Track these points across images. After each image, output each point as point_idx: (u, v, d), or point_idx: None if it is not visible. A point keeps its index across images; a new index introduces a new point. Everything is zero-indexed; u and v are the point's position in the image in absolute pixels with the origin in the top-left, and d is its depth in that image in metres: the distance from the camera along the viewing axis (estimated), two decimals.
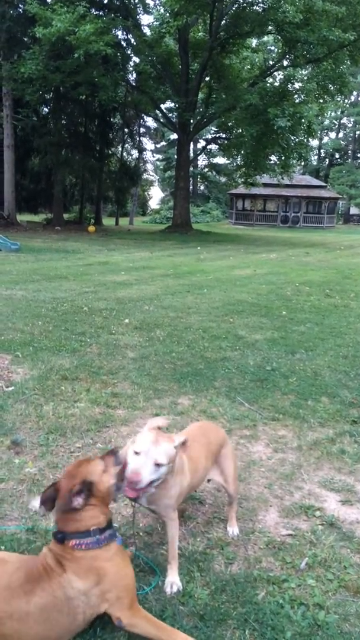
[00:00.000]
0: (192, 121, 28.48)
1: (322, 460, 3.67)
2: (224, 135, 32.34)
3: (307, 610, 2.24)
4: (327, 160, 62.89)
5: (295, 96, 26.01)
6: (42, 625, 1.89)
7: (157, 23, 24.28)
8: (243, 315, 8.31)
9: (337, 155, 62.26)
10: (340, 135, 61.78)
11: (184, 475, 2.41)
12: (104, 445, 3.76)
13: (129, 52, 28.61)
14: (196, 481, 2.58)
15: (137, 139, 41.81)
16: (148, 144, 54.63)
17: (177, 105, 28.10)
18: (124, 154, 41.07)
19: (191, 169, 38.12)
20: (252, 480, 3.39)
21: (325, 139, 61.59)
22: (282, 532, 2.85)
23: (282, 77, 27.22)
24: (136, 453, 2.14)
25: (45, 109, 33.22)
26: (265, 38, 29.34)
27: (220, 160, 42.96)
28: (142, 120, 40.65)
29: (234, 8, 25.42)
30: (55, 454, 3.61)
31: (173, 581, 2.34)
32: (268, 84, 26.84)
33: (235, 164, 33.44)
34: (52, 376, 5.11)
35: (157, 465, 2.13)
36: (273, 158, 29.64)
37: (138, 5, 28.19)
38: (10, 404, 4.39)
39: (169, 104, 31.80)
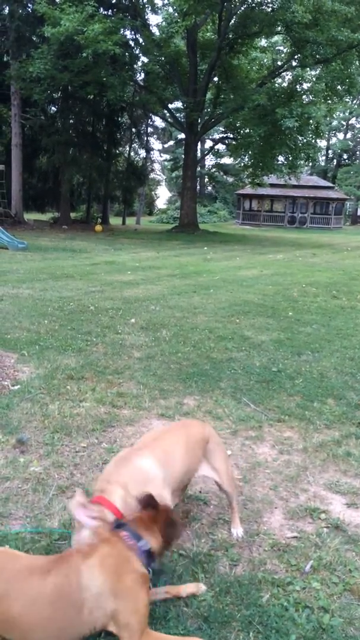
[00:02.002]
0: (199, 121, 28.46)
1: (328, 463, 3.65)
2: (231, 136, 32.27)
3: (312, 614, 2.23)
4: (334, 161, 62.67)
5: (304, 96, 25.97)
6: (49, 610, 1.86)
7: (166, 23, 24.26)
8: (249, 316, 8.29)
9: (345, 156, 62.02)
10: (349, 135, 61.54)
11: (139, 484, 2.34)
12: (109, 445, 3.76)
13: (137, 51, 28.61)
14: (177, 473, 2.50)
15: (145, 138, 41.86)
16: (155, 143, 54.72)
17: (185, 105, 28.07)
18: (132, 153, 41.13)
19: (198, 169, 38.12)
20: (257, 481, 3.38)
21: (333, 140, 61.37)
22: (287, 534, 2.83)
23: (290, 77, 27.20)
24: None
25: (53, 108, 33.31)
26: (274, 38, 29.20)
27: (228, 160, 42.85)
28: (149, 120, 40.68)
29: (242, 8, 25.38)
30: (60, 453, 3.61)
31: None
32: (276, 85, 26.82)
33: (242, 164, 33.33)
34: (58, 375, 5.12)
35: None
36: (281, 158, 29.57)
37: (146, 5, 28.17)
38: (15, 403, 4.40)
39: (176, 103, 31.80)
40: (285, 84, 27.37)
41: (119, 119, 36.04)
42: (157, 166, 60.25)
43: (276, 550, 2.69)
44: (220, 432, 4.04)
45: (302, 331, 7.42)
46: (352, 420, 4.36)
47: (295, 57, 26.44)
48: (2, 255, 15.41)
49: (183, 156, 32.51)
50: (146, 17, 28.12)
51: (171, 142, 54.38)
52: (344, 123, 59.49)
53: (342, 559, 2.61)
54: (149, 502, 2.10)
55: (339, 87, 26.12)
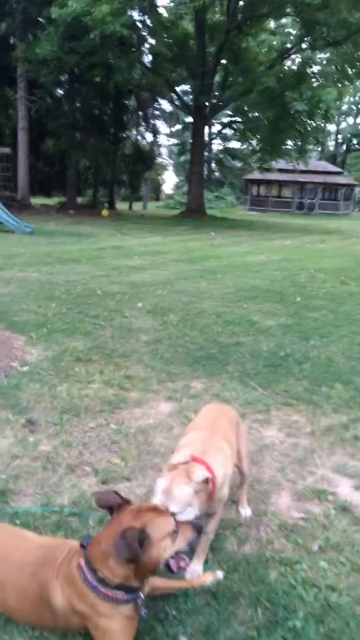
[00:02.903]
0: (207, 104, 28.18)
1: (336, 446, 3.66)
2: (239, 119, 31.97)
3: (320, 592, 2.25)
4: (344, 145, 62.04)
5: (314, 80, 25.61)
6: (32, 606, 1.95)
7: (174, 4, 23.92)
8: (257, 301, 8.28)
9: (355, 141, 61.36)
10: (359, 120, 60.83)
11: (228, 462, 2.38)
12: (118, 426, 3.79)
13: (144, 33, 28.26)
14: (234, 463, 2.56)
15: (152, 122, 41.48)
16: (162, 127, 54.27)
17: (192, 88, 27.79)
18: (138, 137, 40.81)
19: (206, 153, 37.81)
20: (265, 463, 3.39)
21: (343, 124, 60.69)
22: (294, 515, 2.85)
23: (300, 60, 26.78)
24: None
25: (60, 91, 33.04)
26: (284, 20, 28.75)
27: (236, 145, 42.47)
28: (156, 103, 40.28)
29: None
30: (69, 433, 3.64)
31: (195, 570, 2.30)
32: (286, 67, 26.45)
33: (250, 149, 33.04)
34: (66, 357, 5.14)
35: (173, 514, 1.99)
36: (289, 143, 29.28)
37: None
38: (25, 384, 4.42)
39: (184, 86, 31.44)
40: (294, 67, 26.97)
41: (126, 102, 35.76)
42: (164, 150, 59.77)
43: (284, 530, 2.71)
44: None
45: (310, 316, 7.40)
46: None
47: (305, 39, 26.05)
48: (9, 239, 15.42)
49: (190, 140, 32.25)
50: None
51: (178, 126, 53.82)
52: (354, 107, 58.79)
53: (350, 539, 2.63)
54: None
55: (349, 70, 25.73)
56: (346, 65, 25.12)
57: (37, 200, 32.81)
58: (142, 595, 1.90)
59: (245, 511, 2.82)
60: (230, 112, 34.54)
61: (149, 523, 1.81)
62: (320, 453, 3.55)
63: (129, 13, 23.83)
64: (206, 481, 2.08)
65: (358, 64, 24.87)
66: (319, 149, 39.47)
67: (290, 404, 4.33)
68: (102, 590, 1.82)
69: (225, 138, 40.63)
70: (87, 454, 3.39)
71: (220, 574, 2.28)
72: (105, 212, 29.74)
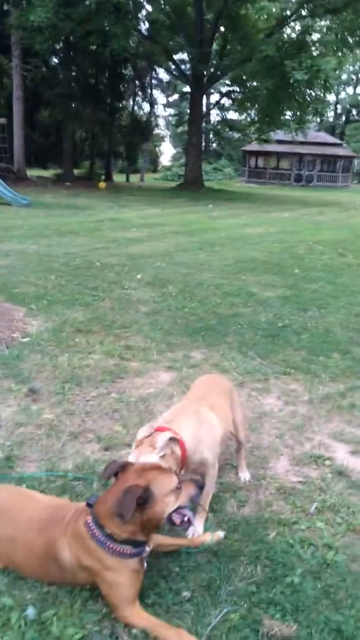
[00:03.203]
0: (205, 73, 27.67)
1: (333, 414, 3.73)
2: (238, 89, 31.45)
3: (317, 551, 2.34)
4: (343, 116, 61.18)
5: (313, 48, 25.10)
6: (40, 562, 2.04)
7: None
8: (255, 273, 8.30)
9: (354, 112, 60.50)
10: (359, 90, 59.86)
11: (213, 428, 2.45)
12: (119, 395, 3.85)
13: (141, 0, 27.60)
14: (226, 427, 2.61)
15: (149, 91, 40.76)
16: (160, 97, 53.36)
17: (190, 57, 27.24)
18: (135, 107, 40.17)
19: (204, 124, 37.24)
20: (264, 430, 3.47)
21: (343, 94, 59.75)
22: (292, 479, 2.93)
23: (299, 27, 26.21)
24: None
25: (55, 60, 32.38)
26: None
27: (234, 115, 41.85)
28: (154, 72, 39.53)
29: None
30: (71, 402, 3.70)
31: (196, 530, 2.39)
32: (285, 35, 25.90)
33: (249, 120, 32.54)
34: (66, 328, 5.18)
35: None
36: (288, 113, 28.84)
37: None
38: (26, 354, 4.47)
39: (182, 55, 30.83)
40: (294, 35, 26.40)
41: (123, 71, 35.08)
42: (161, 121, 58.90)
43: (282, 493, 2.79)
44: None
45: (308, 288, 7.43)
46: (357, 374, 4.43)
47: (305, 6, 25.46)
48: (6, 211, 15.30)
49: (188, 111, 31.76)
50: None
51: (176, 96, 52.93)
52: (354, 77, 57.79)
53: (346, 501, 2.71)
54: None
55: (349, 38, 25.24)
56: (346, 34, 24.65)
57: (32, 172, 32.40)
58: (147, 549, 1.97)
59: (244, 475, 2.90)
60: (228, 82, 33.99)
61: (152, 481, 1.90)
62: (317, 420, 3.62)
63: None
64: (171, 441, 2.19)
65: (358, 31, 24.39)
66: (318, 119, 38.90)
67: (288, 373, 4.40)
68: (110, 546, 1.90)
69: (223, 108, 40.08)
70: (90, 421, 3.45)
71: (221, 534, 2.36)
72: (102, 184, 29.43)
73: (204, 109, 34.54)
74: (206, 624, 1.92)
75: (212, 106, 41.66)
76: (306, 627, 1.92)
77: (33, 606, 1.95)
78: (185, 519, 2.01)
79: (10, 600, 1.98)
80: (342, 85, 57.60)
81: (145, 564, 1.98)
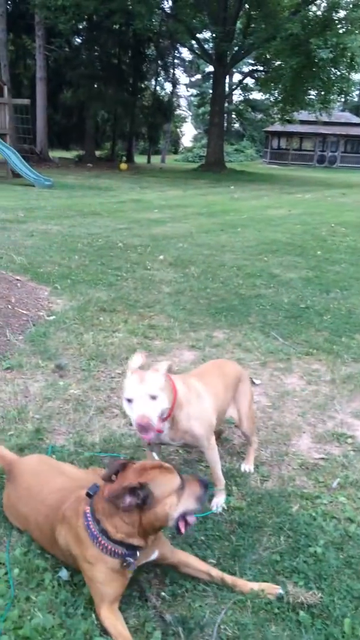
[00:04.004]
0: (229, 52, 27.27)
1: (355, 393, 3.75)
2: (261, 68, 30.92)
3: (339, 523, 2.39)
4: None
5: (339, 26, 24.52)
6: (49, 543, 2.09)
7: None
8: (277, 255, 8.27)
9: None
10: None
11: (201, 400, 2.41)
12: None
13: None
14: (220, 406, 2.58)
15: (171, 71, 40.33)
16: (182, 77, 52.73)
17: (214, 35, 26.83)
18: (157, 88, 39.79)
19: (226, 104, 36.79)
20: (286, 408, 3.51)
21: None
22: (314, 455, 2.98)
23: (325, 5, 25.60)
24: (129, 401, 2.10)
25: (78, 40, 32.20)
26: None
27: (257, 96, 41.21)
28: (176, 52, 39.09)
29: None
30: (97, 378, 3.78)
31: (218, 502, 2.46)
32: (310, 13, 25.34)
33: (272, 100, 32.00)
34: (91, 307, 5.25)
35: (153, 397, 2.08)
36: (312, 93, 28.31)
37: None
38: (52, 332, 4.56)
39: (205, 34, 30.38)
40: (319, 12, 25.81)
41: (145, 51, 34.75)
42: (183, 102, 58.34)
43: (304, 469, 2.84)
44: (249, 363, 4.17)
45: (331, 270, 7.40)
46: None
47: None
48: (29, 192, 15.40)
49: (210, 91, 31.38)
50: None
51: (198, 76, 52.42)
52: None
53: None
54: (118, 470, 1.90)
55: None
56: None
57: (55, 154, 32.46)
58: (138, 555, 1.86)
59: (247, 467, 2.82)
60: (251, 61, 33.42)
61: (152, 480, 1.80)
62: (340, 400, 3.65)
63: None
64: (169, 368, 2.23)
65: None
66: (343, 99, 38.04)
67: (310, 354, 4.42)
68: (101, 542, 1.83)
69: (246, 89, 39.46)
70: (115, 397, 3.52)
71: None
72: (123, 166, 29.40)
73: (227, 89, 34.08)
74: (231, 590, 1.99)
75: (234, 86, 41.04)
76: (329, 595, 1.97)
77: (66, 568, 2.04)
78: (190, 520, 1.90)
79: (43, 563, 2.07)
80: None
81: (131, 570, 1.87)
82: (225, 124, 41.85)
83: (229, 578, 2.01)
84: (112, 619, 1.81)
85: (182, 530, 1.86)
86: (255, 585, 1.98)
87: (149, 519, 1.79)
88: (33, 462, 2.43)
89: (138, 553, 1.86)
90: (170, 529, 1.89)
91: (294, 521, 2.36)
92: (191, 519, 1.89)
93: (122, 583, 1.88)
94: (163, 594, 1.98)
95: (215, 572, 2.02)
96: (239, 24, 28.03)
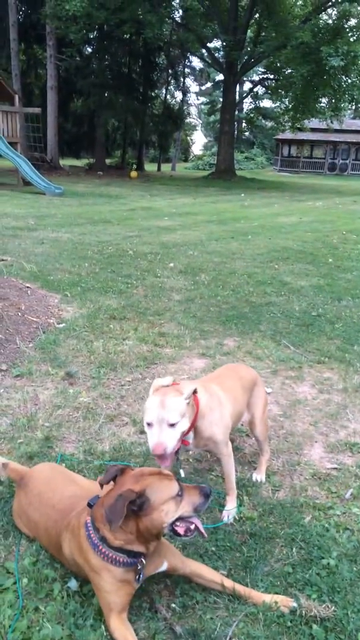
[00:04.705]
0: (239, 61, 27.36)
1: None
2: (272, 77, 30.98)
3: (352, 535, 2.35)
4: None
5: (350, 34, 24.53)
6: (56, 549, 2.08)
7: None
8: (288, 262, 8.24)
9: None
10: None
11: (222, 407, 2.41)
12: (152, 380, 3.88)
13: None
14: (238, 411, 2.57)
15: (182, 80, 40.51)
16: (192, 85, 52.96)
17: (224, 44, 26.94)
18: (168, 96, 39.97)
19: (236, 112, 36.85)
20: (297, 417, 3.47)
21: None
22: (327, 465, 2.94)
23: (336, 13, 25.64)
24: (148, 425, 2.07)
25: (89, 49, 32.45)
26: None
27: (267, 103, 41.25)
28: (187, 61, 39.27)
29: None
30: (106, 386, 3.77)
31: (230, 512, 2.43)
32: (321, 21, 25.37)
33: (282, 108, 32.01)
34: (101, 315, 5.25)
35: (172, 425, 2.05)
36: (323, 101, 28.30)
37: None
38: (62, 340, 4.56)
39: (215, 42, 30.55)
40: (330, 21, 25.83)
41: (156, 60, 34.94)
42: (193, 110, 58.57)
43: (317, 479, 2.80)
44: (260, 371, 4.13)
45: (342, 277, 7.35)
46: None
47: None
48: (40, 200, 15.50)
49: (221, 99, 31.47)
50: None
51: (209, 84, 52.59)
52: None
53: None
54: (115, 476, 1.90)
55: None
56: None
57: (65, 162, 32.70)
58: (143, 562, 1.85)
59: (259, 477, 2.78)
60: (262, 69, 33.48)
61: (149, 486, 1.79)
62: (352, 409, 3.61)
63: None
64: (194, 392, 2.18)
65: None
66: (354, 107, 37.98)
67: (322, 362, 4.38)
68: (102, 550, 1.82)
69: (256, 97, 39.48)
70: (125, 405, 3.51)
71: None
72: (134, 174, 29.53)
73: (237, 97, 34.17)
74: (243, 601, 1.96)
75: (245, 94, 41.12)
76: (343, 609, 1.93)
77: (75, 578, 2.02)
78: (192, 527, 1.87)
79: (52, 572, 2.05)
80: None
81: (140, 578, 1.85)
82: (236, 132, 41.92)
83: (242, 589, 1.98)
84: (121, 629, 1.79)
85: (182, 532, 1.84)
86: (269, 598, 1.95)
87: (146, 525, 1.79)
88: (45, 469, 2.43)
89: (144, 560, 1.84)
90: (168, 534, 1.87)
91: (306, 532, 2.32)
92: (194, 522, 1.87)
93: (129, 592, 1.86)
94: (173, 605, 1.96)
95: (228, 583, 2.00)
96: (249, 33, 28.13)
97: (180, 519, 1.84)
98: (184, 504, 1.84)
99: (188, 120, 55.07)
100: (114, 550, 1.82)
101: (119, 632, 1.78)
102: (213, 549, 2.22)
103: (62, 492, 2.21)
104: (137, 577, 1.84)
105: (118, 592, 1.82)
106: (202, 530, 1.90)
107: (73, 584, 2.00)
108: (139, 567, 1.83)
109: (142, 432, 3.18)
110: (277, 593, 2.00)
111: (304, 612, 1.90)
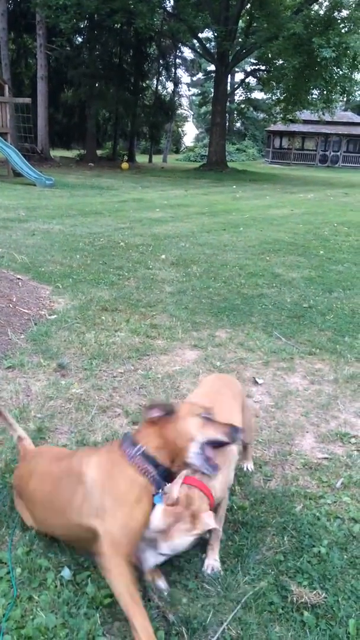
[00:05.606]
0: (230, 52, 27.23)
1: (359, 393, 3.74)
2: (263, 68, 30.88)
3: (343, 523, 2.37)
4: None
5: (342, 25, 24.47)
6: (51, 486, 2.08)
7: None
8: (280, 254, 8.26)
9: None
10: None
11: (231, 465, 2.17)
12: (145, 371, 3.90)
13: None
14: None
15: (173, 71, 40.29)
16: (184, 76, 52.72)
17: (216, 34, 26.81)
18: (159, 87, 39.76)
19: (228, 104, 36.74)
20: (289, 408, 3.49)
21: None
22: (318, 455, 2.96)
23: (328, 4, 25.56)
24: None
25: (79, 39, 32.17)
26: None
27: (258, 95, 41.17)
28: (178, 51, 39.02)
29: None
30: (99, 377, 3.77)
31: (212, 564, 2.11)
32: (313, 12, 25.29)
33: (274, 99, 31.93)
34: (92, 307, 5.24)
35: (162, 554, 1.87)
36: (315, 92, 28.27)
37: None
38: (54, 331, 4.55)
39: (207, 33, 30.37)
40: (322, 12, 25.76)
41: (147, 50, 34.71)
42: (184, 101, 58.28)
43: (308, 468, 2.83)
44: (252, 362, 4.16)
45: (334, 269, 7.38)
46: None
47: None
48: (31, 191, 15.39)
49: (212, 90, 31.34)
50: None
51: (200, 75, 52.33)
52: None
53: None
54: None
55: None
56: None
57: (56, 153, 32.48)
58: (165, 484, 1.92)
59: (248, 465, 2.76)
60: (253, 60, 33.37)
61: (175, 404, 2.05)
62: (343, 399, 3.64)
63: None
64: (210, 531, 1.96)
65: None
66: (345, 98, 38.02)
67: (313, 353, 4.40)
68: (137, 460, 1.91)
69: (248, 88, 39.36)
70: (117, 396, 3.52)
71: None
72: (125, 165, 29.39)
73: (229, 88, 34.05)
74: (235, 589, 1.98)
75: (236, 86, 40.99)
76: (333, 596, 1.96)
77: (68, 567, 2.03)
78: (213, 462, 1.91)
79: (46, 562, 2.06)
80: None
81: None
82: (227, 124, 41.82)
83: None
84: (122, 566, 1.75)
85: (199, 463, 1.91)
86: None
87: (173, 434, 1.93)
88: (43, 447, 2.62)
89: (165, 487, 1.90)
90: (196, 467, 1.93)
91: (297, 521, 2.35)
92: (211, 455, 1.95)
93: (144, 515, 1.84)
94: (166, 593, 1.97)
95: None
96: (240, 23, 27.99)
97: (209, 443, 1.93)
98: (212, 426, 1.95)
99: (179, 111, 54.82)
100: (146, 460, 1.92)
101: (119, 570, 1.75)
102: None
103: (63, 451, 2.37)
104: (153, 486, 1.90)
105: (136, 512, 1.82)
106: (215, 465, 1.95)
107: (67, 573, 2.01)
108: (160, 484, 1.91)
109: (134, 422, 3.20)
110: (269, 581, 2.02)
111: (295, 599, 1.93)
